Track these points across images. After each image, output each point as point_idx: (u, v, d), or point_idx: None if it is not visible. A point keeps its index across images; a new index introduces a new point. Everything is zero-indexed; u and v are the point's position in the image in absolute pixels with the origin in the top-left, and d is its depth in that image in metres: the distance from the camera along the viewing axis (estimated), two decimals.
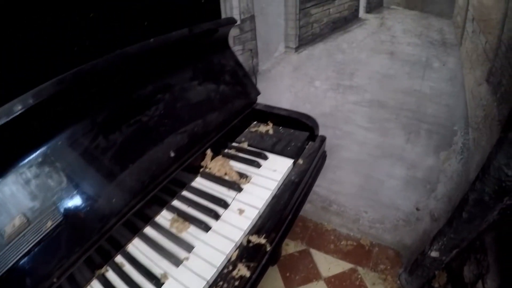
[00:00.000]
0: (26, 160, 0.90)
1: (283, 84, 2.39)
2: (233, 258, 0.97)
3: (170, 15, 1.35)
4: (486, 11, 1.79)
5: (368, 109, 2.20)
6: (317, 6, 2.06)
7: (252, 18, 2.24)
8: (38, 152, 0.91)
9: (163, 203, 1.22)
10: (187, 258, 0.97)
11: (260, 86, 2.28)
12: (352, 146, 2.31)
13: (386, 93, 2.08)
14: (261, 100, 2.31)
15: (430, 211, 2.16)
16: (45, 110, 0.89)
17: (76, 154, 0.96)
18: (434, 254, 1.95)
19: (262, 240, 1.00)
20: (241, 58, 2.18)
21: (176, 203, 1.23)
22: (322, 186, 2.50)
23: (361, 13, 2.02)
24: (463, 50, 1.86)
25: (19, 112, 0.81)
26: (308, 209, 2.62)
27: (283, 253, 2.40)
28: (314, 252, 2.44)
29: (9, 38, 0.85)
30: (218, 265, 0.93)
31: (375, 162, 2.25)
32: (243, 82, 1.59)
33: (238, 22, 2.15)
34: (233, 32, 2.14)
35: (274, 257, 2.16)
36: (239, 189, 1.21)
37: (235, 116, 1.51)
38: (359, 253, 2.44)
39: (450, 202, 2.03)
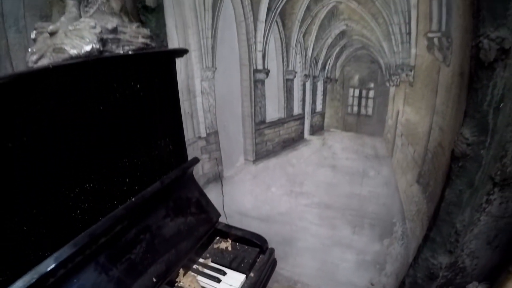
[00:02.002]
0: None
1: (245, 189, 2.69)
2: None
3: (147, 167, 1.66)
4: (413, 126, 2.08)
5: (317, 210, 2.50)
6: (269, 128, 2.40)
7: (216, 133, 2.59)
8: None
9: None
10: None
11: (225, 189, 2.61)
12: (307, 238, 2.58)
13: (331, 197, 2.40)
14: (227, 200, 2.63)
15: (383, 286, 2.45)
16: (64, 264, 1.20)
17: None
18: None
19: None
20: (208, 165, 2.51)
21: None
22: (286, 269, 2.77)
23: (306, 134, 2.34)
24: (394, 160, 2.17)
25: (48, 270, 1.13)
26: None
27: None
28: None
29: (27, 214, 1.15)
30: None
31: (329, 250, 2.52)
32: (206, 210, 1.91)
33: (204, 136, 2.51)
34: (201, 143, 2.49)
35: None
36: None
37: (201, 239, 1.82)
38: None
39: (398, 278, 2.30)
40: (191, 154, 2.08)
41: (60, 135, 1.23)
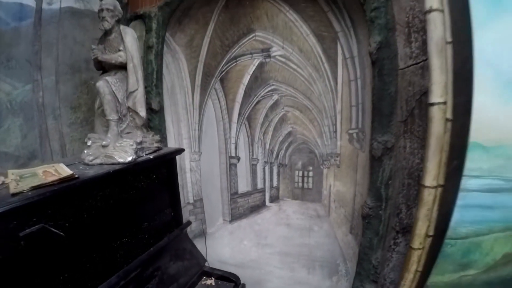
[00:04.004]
0: None
1: (224, 242, 3.33)
2: None
3: (159, 227, 2.39)
4: (342, 194, 2.68)
5: (279, 257, 3.11)
6: (241, 197, 3.09)
7: (201, 200, 3.28)
8: None
9: None
10: None
11: (208, 242, 3.28)
12: (273, 279, 3.14)
13: (288, 247, 3.03)
14: (210, 251, 3.32)
15: None
16: None
17: None
18: None
19: None
20: (195, 224, 3.18)
21: None
22: None
23: (267, 202, 3.00)
24: (331, 218, 2.74)
25: None
26: None
27: None
28: None
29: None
30: None
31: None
32: (196, 257, 2.60)
33: (192, 201, 3.20)
34: (189, 207, 3.16)
35: None
36: None
37: (193, 277, 2.48)
38: None
39: None
40: (182, 215, 2.73)
41: (110, 211, 1.89)
